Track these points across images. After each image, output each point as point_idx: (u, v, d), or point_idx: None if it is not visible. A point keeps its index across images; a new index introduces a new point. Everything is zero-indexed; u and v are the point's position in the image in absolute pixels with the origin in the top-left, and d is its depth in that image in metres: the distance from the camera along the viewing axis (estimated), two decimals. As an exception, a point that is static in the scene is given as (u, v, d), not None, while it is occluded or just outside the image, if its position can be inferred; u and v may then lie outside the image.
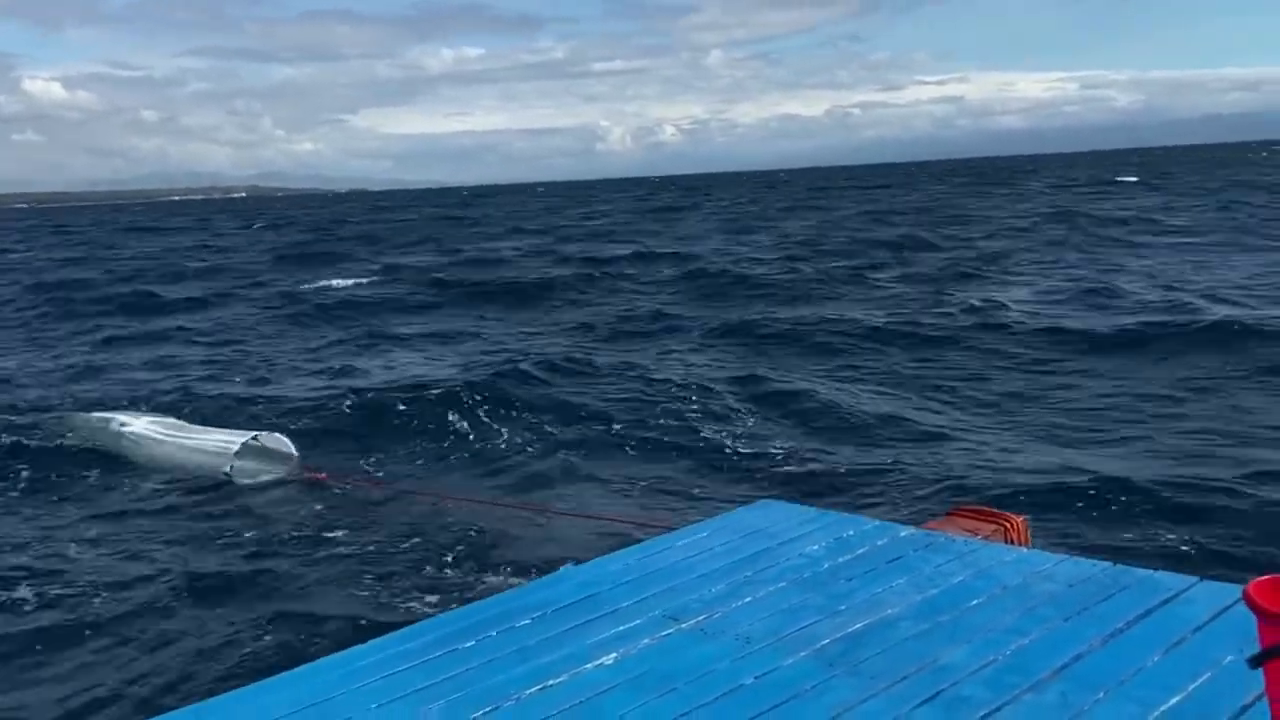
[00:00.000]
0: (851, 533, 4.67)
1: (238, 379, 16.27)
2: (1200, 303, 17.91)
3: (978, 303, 19.42)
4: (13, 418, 13.57)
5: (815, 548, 4.50)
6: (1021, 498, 8.32)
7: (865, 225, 42.95)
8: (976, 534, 4.85)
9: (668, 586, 4.15)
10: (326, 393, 14.29)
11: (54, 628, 7.09)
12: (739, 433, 11.48)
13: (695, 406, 12.60)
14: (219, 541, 8.78)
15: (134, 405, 14.02)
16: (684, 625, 3.79)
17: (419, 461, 11.27)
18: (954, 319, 18.19)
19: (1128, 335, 15.40)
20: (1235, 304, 17.96)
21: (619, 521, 8.26)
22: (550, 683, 3.38)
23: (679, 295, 24.30)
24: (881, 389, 13.63)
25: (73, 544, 8.87)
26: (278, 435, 11.12)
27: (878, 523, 4.90)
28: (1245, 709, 2.94)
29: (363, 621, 6.67)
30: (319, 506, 9.58)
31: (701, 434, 11.41)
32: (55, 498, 10.34)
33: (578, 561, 5.07)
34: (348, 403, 13.32)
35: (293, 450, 10.75)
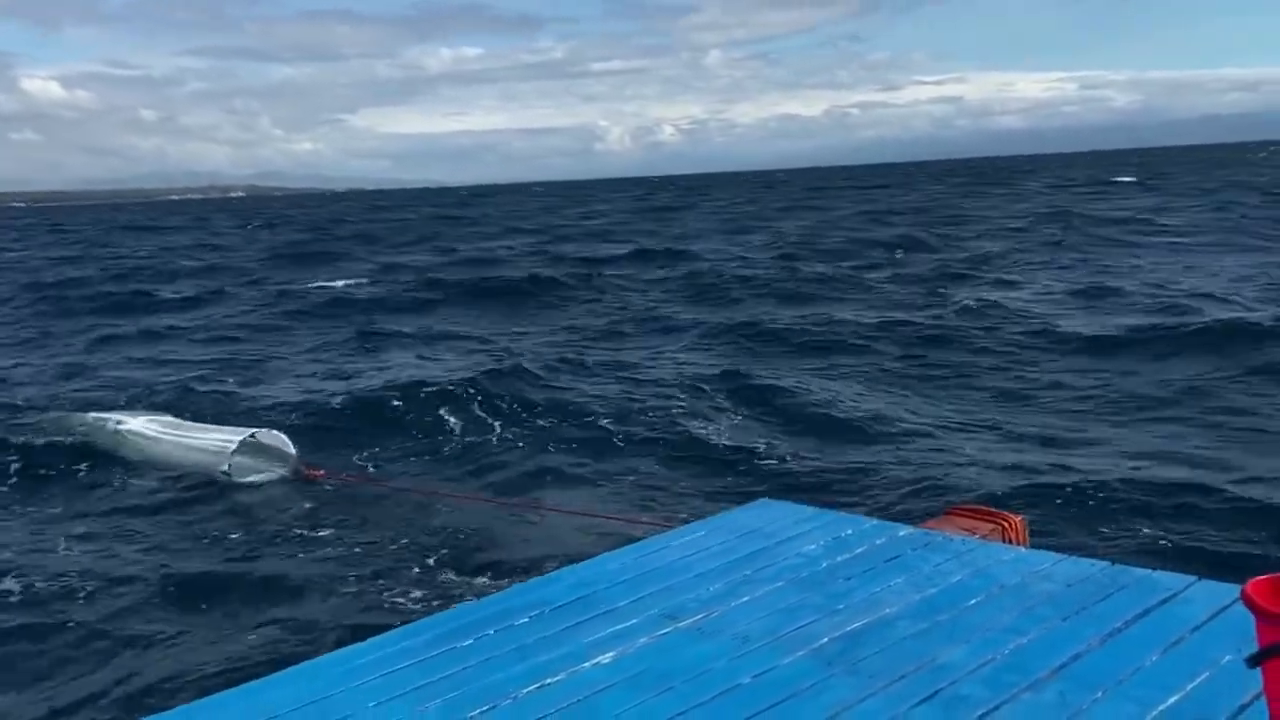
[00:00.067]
0: (849, 532, 4.67)
1: (234, 377, 16.25)
2: (1193, 303, 17.96)
3: (973, 303, 19.45)
4: (8, 416, 13.55)
5: (813, 547, 4.49)
6: (1017, 496, 8.33)
7: (862, 225, 42.96)
8: (974, 533, 4.85)
9: (665, 585, 4.15)
10: (323, 391, 14.29)
11: (40, 625, 7.05)
12: (735, 432, 11.49)
13: (690, 406, 12.60)
14: (217, 539, 8.78)
15: (131, 404, 14.00)
16: (681, 624, 3.78)
17: (415, 459, 11.27)
18: (949, 318, 18.23)
19: (1121, 335, 15.43)
20: (1227, 302, 18.01)
21: (614, 520, 8.26)
22: (548, 681, 3.38)
23: (674, 295, 24.32)
24: (877, 388, 13.64)
25: (62, 539, 8.86)
26: (276, 433, 11.08)
27: (876, 522, 4.90)
28: (1243, 708, 2.94)
29: (360, 620, 6.67)
30: (317, 504, 9.57)
31: (697, 433, 11.41)
32: (49, 495, 10.31)
33: (574, 560, 5.07)
34: (344, 401, 13.33)
35: (291, 448, 10.72)
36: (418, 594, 7.26)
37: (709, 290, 24.33)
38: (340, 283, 29.89)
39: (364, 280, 30.78)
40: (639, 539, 5.10)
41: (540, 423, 12.22)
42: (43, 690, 6.20)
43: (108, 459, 11.26)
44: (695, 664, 3.44)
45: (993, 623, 3.63)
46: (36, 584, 7.79)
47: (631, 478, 10.09)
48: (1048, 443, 10.52)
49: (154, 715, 3.41)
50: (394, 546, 8.28)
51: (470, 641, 3.72)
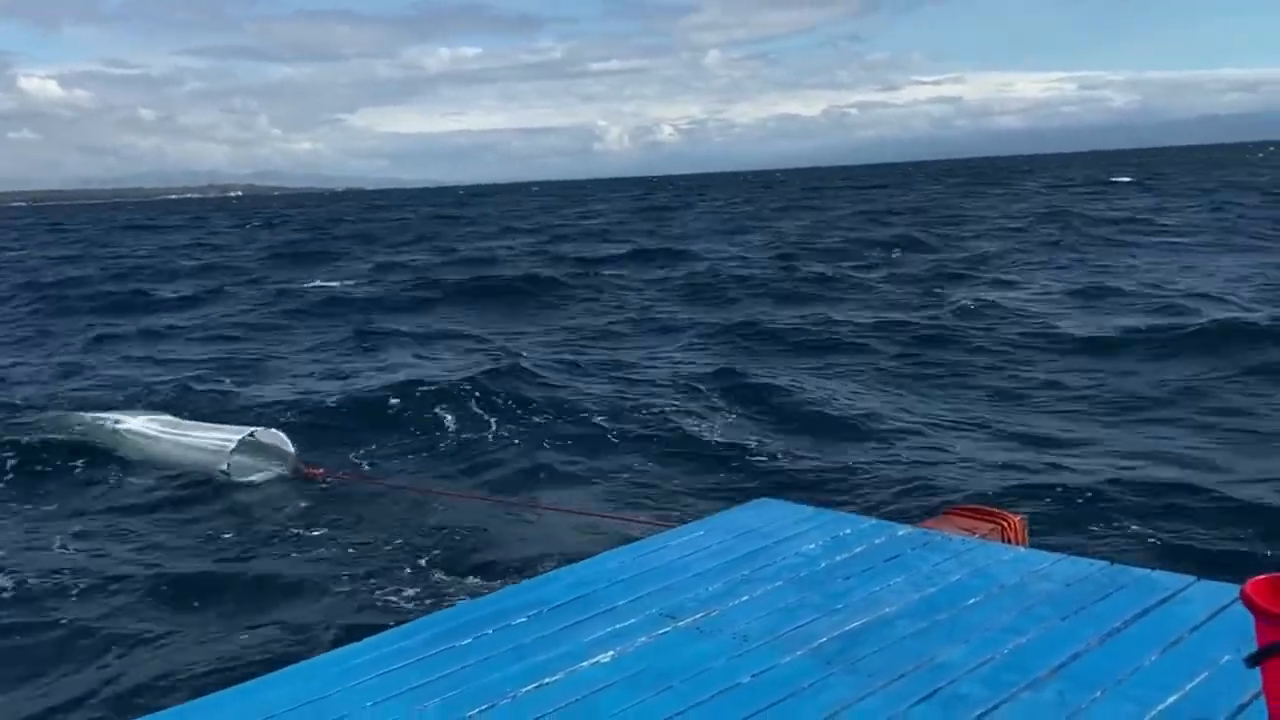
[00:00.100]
0: (848, 531, 4.66)
1: (233, 376, 16.23)
2: (1189, 303, 17.97)
3: (970, 302, 19.46)
4: (6, 416, 13.53)
5: (812, 546, 4.49)
6: (1011, 496, 8.33)
7: (860, 225, 42.98)
8: (974, 533, 4.85)
9: (664, 585, 4.14)
10: (321, 390, 14.28)
11: (32, 623, 7.02)
12: (731, 431, 11.48)
13: (687, 405, 12.60)
14: (214, 537, 8.76)
15: (129, 403, 13.98)
16: (680, 623, 3.78)
17: (413, 457, 11.26)
18: (947, 318, 18.24)
19: (1118, 335, 15.43)
20: (1224, 302, 18.02)
21: (611, 519, 8.26)
22: (546, 681, 3.37)
23: (672, 295, 24.32)
24: (873, 388, 13.64)
25: (57, 537, 8.84)
26: (275, 431, 11.05)
27: (875, 521, 4.90)
28: (1242, 708, 2.94)
29: (357, 619, 6.66)
30: (315, 503, 9.56)
31: (693, 432, 11.40)
32: (45, 493, 10.28)
33: (571, 559, 5.07)
34: (342, 400, 13.33)
35: (290, 447, 10.70)
36: (415, 593, 7.25)
37: (707, 290, 24.34)
38: (338, 282, 29.89)
39: (362, 280, 30.79)
40: (636, 538, 5.10)
41: (537, 421, 12.21)
42: (34, 689, 6.16)
43: (105, 458, 11.24)
44: (694, 663, 3.44)
45: (992, 622, 3.63)
46: (29, 581, 7.75)
47: (627, 476, 10.08)
48: (1043, 442, 10.52)
49: (148, 715, 3.40)
50: (392, 546, 8.27)
51: (468, 641, 3.71)
